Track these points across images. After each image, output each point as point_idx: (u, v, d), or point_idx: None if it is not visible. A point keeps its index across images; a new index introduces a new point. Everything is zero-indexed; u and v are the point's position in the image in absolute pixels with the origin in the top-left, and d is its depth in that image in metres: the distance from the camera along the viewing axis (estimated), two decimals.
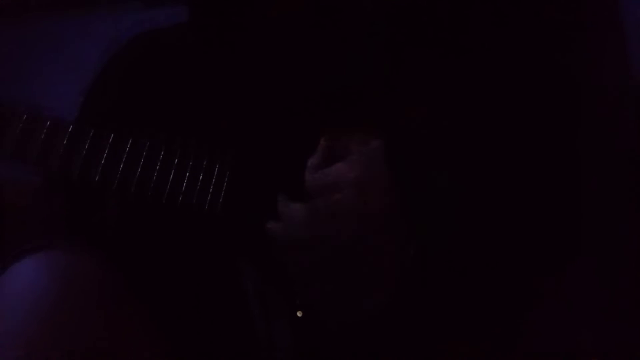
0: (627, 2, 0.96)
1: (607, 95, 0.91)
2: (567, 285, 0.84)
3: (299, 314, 0.80)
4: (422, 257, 0.77)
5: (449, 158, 0.80)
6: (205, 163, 0.81)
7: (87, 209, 0.88)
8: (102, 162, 0.79)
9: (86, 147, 0.79)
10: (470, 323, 0.79)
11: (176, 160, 0.81)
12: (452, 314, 0.79)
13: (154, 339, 0.80)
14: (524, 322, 0.82)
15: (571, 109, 0.83)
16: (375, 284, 0.77)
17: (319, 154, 0.79)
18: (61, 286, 0.75)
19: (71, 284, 0.76)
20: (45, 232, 0.83)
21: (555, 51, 0.85)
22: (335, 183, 0.76)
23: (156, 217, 0.84)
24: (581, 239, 0.84)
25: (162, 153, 0.81)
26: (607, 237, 0.88)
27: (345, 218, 0.75)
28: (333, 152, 0.78)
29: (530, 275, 0.81)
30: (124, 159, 0.79)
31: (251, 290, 0.83)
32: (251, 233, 0.82)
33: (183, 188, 0.80)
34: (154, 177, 0.80)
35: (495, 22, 0.83)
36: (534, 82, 0.82)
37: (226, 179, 0.81)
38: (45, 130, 0.78)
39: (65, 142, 0.78)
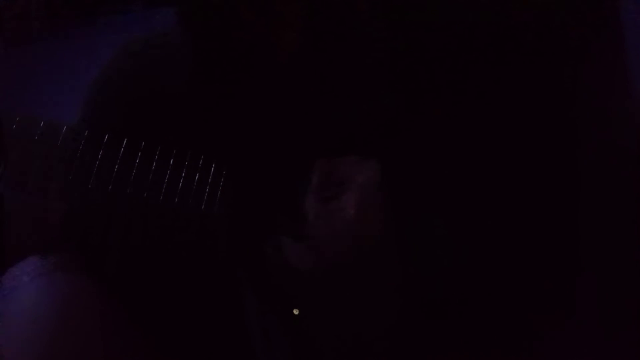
0: (627, 8, 0.95)
1: (606, 107, 0.91)
2: (568, 300, 0.84)
3: (295, 311, 0.81)
4: (421, 275, 0.78)
5: (444, 177, 0.80)
6: (200, 164, 0.82)
7: (87, 235, 0.88)
8: (97, 162, 0.80)
9: (80, 148, 0.79)
10: (468, 338, 0.79)
11: (170, 172, 0.81)
12: (451, 331, 0.79)
13: (151, 358, 0.80)
14: (526, 340, 0.81)
15: (570, 128, 0.83)
16: (376, 307, 0.78)
17: (317, 180, 0.80)
18: (62, 311, 0.76)
19: (72, 309, 0.77)
20: (46, 256, 0.84)
21: (555, 63, 0.84)
22: (335, 216, 0.78)
23: (153, 232, 0.85)
24: (581, 256, 0.83)
25: (155, 162, 0.81)
26: (608, 254, 0.88)
27: (346, 249, 0.78)
28: (331, 179, 0.79)
29: (530, 291, 0.81)
30: (117, 165, 0.80)
31: (249, 305, 0.83)
32: (247, 246, 0.82)
33: (177, 199, 0.81)
34: (149, 188, 0.80)
35: (493, 38, 0.84)
36: (531, 103, 0.82)
37: (220, 189, 0.82)
38: (39, 132, 0.78)
39: (59, 144, 0.79)
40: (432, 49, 0.84)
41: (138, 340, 0.80)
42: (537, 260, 0.81)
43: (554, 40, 0.84)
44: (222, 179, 0.81)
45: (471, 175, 0.80)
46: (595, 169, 0.85)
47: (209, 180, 0.81)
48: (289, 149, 0.84)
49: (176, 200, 0.80)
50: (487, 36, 0.83)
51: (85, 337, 0.76)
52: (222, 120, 0.87)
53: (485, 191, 0.80)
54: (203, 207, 0.81)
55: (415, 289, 0.78)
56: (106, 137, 0.80)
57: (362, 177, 0.79)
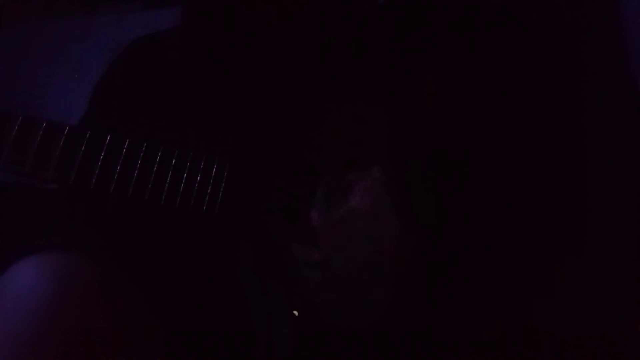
0: (627, 2, 0.95)
1: (608, 94, 0.91)
2: (568, 280, 0.84)
3: (295, 313, 0.81)
4: (421, 254, 0.78)
5: (451, 149, 0.80)
6: (203, 164, 0.82)
7: (87, 210, 0.88)
8: (99, 164, 0.79)
9: (83, 149, 0.79)
10: (470, 320, 0.80)
11: (174, 161, 0.81)
12: (453, 312, 0.79)
13: (153, 340, 0.80)
14: (526, 317, 0.82)
15: (574, 101, 0.83)
16: (376, 284, 0.78)
17: (320, 196, 0.80)
18: (60, 287, 0.76)
19: (70, 286, 0.77)
20: (43, 232, 0.84)
21: (558, 49, 0.84)
22: (344, 221, 0.78)
23: (155, 218, 0.85)
24: (584, 234, 0.84)
25: (159, 154, 0.81)
26: (610, 234, 0.88)
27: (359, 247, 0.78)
28: (333, 191, 0.79)
29: (532, 271, 0.81)
30: (120, 161, 0.80)
31: (250, 289, 0.83)
32: (249, 233, 0.82)
33: (181, 189, 0.81)
34: (152, 179, 0.80)
35: (500, 19, 0.84)
36: (536, 78, 0.82)
37: (224, 179, 0.82)
38: (41, 133, 0.78)
39: (61, 144, 0.78)
40: (434, 16, 0.84)
41: (138, 321, 0.80)
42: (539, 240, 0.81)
43: (556, 27, 0.85)
44: (225, 163, 0.81)
45: (476, 129, 0.81)
46: (598, 155, 0.85)
47: (211, 180, 0.81)
48: (289, 126, 0.85)
49: (180, 188, 0.80)
50: (490, 24, 0.84)
51: (83, 316, 0.75)
52: (222, 100, 0.87)
53: (491, 147, 0.81)
54: (207, 191, 0.81)
55: (418, 256, 0.79)
56: (108, 137, 0.80)
57: (366, 182, 0.79)
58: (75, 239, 0.84)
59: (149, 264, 0.85)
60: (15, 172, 0.77)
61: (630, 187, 0.86)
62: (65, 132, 0.78)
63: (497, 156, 0.80)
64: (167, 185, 0.80)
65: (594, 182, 0.84)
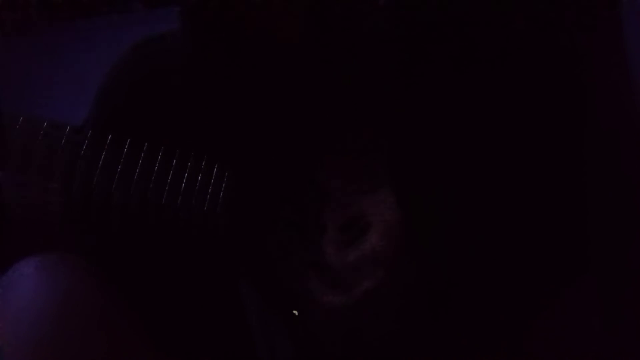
0: (627, 3, 0.95)
1: (610, 119, 0.91)
2: (571, 304, 0.85)
3: (295, 312, 0.81)
4: (425, 281, 0.78)
5: (454, 175, 0.80)
6: (202, 174, 0.81)
7: (87, 224, 0.88)
8: (100, 164, 0.79)
9: (84, 148, 0.79)
10: (473, 345, 0.80)
11: (172, 172, 0.80)
12: (455, 339, 0.80)
13: (153, 355, 0.80)
14: (530, 338, 0.82)
15: (576, 122, 0.84)
16: (380, 314, 0.78)
17: (336, 234, 0.80)
18: (61, 301, 0.76)
19: (72, 304, 0.77)
20: (45, 250, 0.84)
21: (557, 58, 0.85)
22: (364, 265, 0.78)
23: (155, 232, 0.84)
24: (587, 254, 0.84)
25: (158, 162, 0.80)
26: (614, 258, 0.88)
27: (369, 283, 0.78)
28: (352, 229, 0.80)
29: (536, 291, 0.82)
30: (120, 167, 0.79)
31: (251, 304, 0.83)
32: (249, 247, 0.82)
33: (180, 199, 0.80)
34: (151, 187, 0.80)
35: (499, 31, 0.84)
36: (538, 96, 0.83)
37: (222, 189, 0.81)
38: (42, 133, 0.78)
39: (63, 144, 0.78)
40: (435, 47, 0.84)
41: (138, 335, 0.80)
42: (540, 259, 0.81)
43: (554, 42, 0.85)
44: (225, 179, 0.81)
45: (478, 147, 0.81)
46: (600, 182, 0.85)
47: (212, 180, 0.81)
48: (293, 144, 0.84)
49: (179, 200, 0.80)
50: (488, 39, 0.84)
51: (85, 330, 0.76)
52: (226, 119, 0.87)
53: (492, 167, 0.81)
54: (205, 207, 0.81)
55: (421, 288, 0.79)
56: (109, 137, 0.80)
57: (382, 221, 0.79)
58: (75, 254, 0.84)
59: (149, 280, 0.85)
60: (19, 172, 0.77)
61: (632, 211, 0.86)
62: (67, 131, 0.78)
63: (499, 182, 0.81)
64: (166, 192, 0.80)
65: (596, 207, 0.84)
